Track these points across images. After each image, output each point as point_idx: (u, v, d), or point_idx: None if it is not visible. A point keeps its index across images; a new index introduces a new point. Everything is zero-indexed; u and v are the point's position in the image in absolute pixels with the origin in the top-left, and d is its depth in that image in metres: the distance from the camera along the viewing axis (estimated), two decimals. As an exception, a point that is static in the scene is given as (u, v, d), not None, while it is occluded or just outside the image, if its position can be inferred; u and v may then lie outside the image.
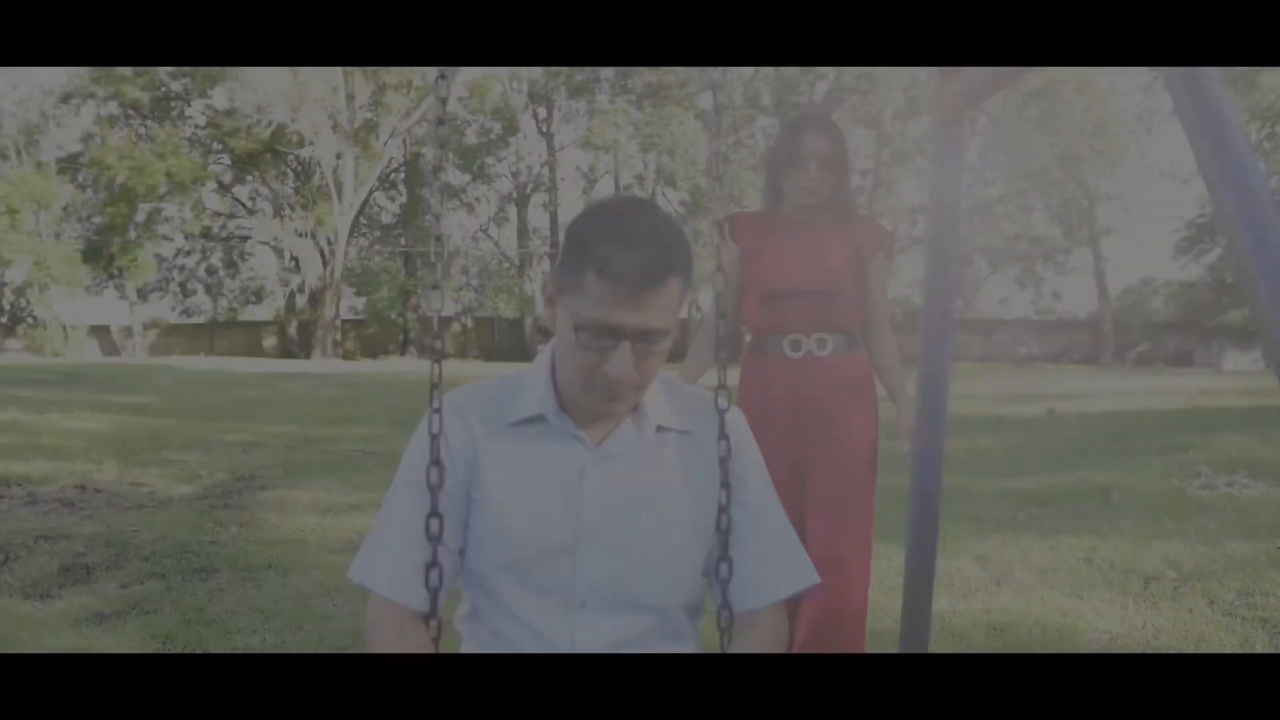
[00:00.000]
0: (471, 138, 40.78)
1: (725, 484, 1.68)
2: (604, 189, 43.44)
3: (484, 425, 1.71)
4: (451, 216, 42.82)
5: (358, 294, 41.46)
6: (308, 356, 37.81)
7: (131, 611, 4.56)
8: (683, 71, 37.21)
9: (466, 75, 36.87)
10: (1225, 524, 5.80)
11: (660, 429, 1.73)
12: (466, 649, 1.78)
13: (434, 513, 1.61)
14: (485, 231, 43.44)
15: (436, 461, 1.62)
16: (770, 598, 1.75)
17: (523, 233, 42.92)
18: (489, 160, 41.77)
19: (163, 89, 39.72)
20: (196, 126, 39.89)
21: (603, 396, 1.62)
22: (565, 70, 39.08)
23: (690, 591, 1.75)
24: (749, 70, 39.16)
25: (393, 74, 36.29)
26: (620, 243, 1.53)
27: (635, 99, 38.18)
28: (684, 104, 37.10)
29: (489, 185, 42.91)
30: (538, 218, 44.16)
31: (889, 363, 3.18)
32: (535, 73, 39.24)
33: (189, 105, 40.77)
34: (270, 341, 42.02)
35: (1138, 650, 4.15)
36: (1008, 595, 4.79)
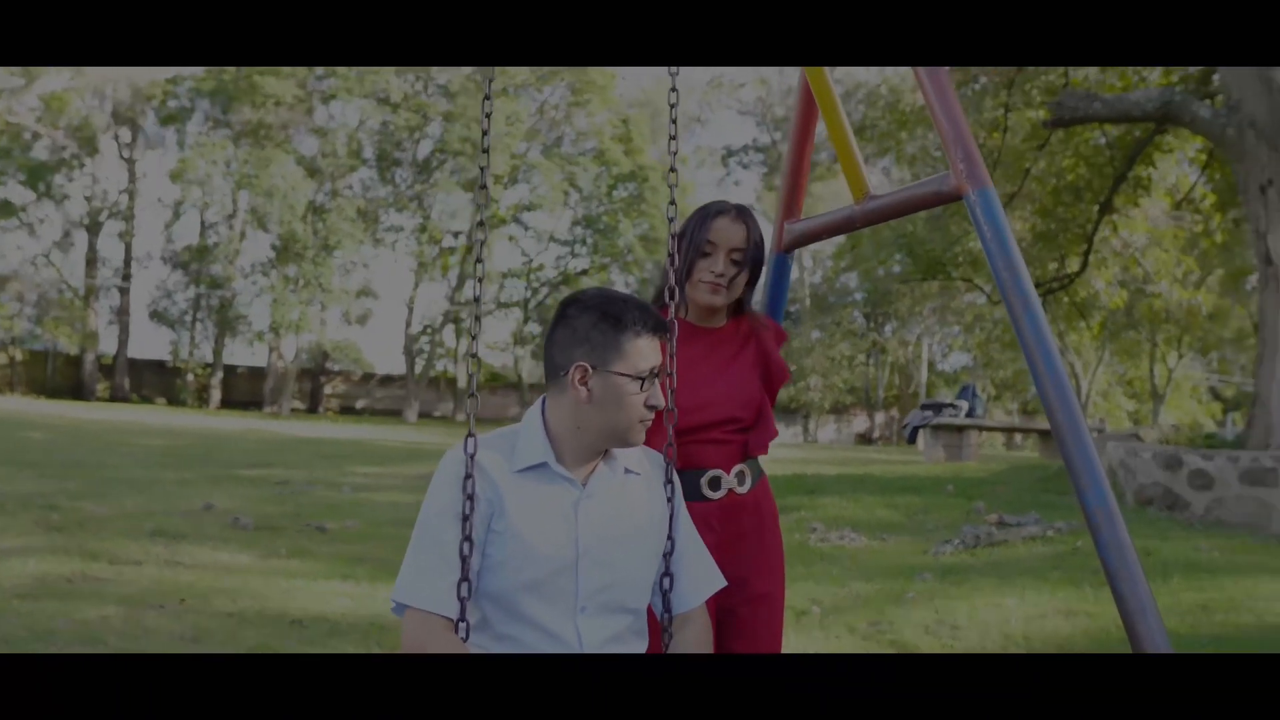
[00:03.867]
0: (41, 153, 37.35)
1: (672, 516, 2.32)
2: (190, 223, 41.37)
3: (498, 470, 2.18)
4: (7, 238, 38.87)
5: None
6: None
7: None
8: (285, 114, 36.52)
9: (42, 86, 33.86)
10: (846, 570, 7.07)
11: (627, 471, 2.30)
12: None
13: (467, 538, 2.10)
14: (48, 257, 39.70)
15: (470, 497, 2.12)
16: (700, 599, 2.33)
17: (92, 261, 39.71)
18: (59, 180, 38.37)
19: None
20: None
21: (644, 425, 2.19)
22: (158, 94, 37.05)
23: (648, 597, 2.30)
24: (353, 121, 39.11)
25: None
26: (637, 310, 2.17)
27: (234, 135, 36.82)
28: (285, 146, 36.37)
29: (57, 207, 39.38)
30: (110, 247, 41.15)
31: None
32: (122, 93, 36.79)
33: None
34: None
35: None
36: (694, 629, 5.62)
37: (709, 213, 2.67)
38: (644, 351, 2.15)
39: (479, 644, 2.17)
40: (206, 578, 6.45)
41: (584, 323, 2.16)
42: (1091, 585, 6.28)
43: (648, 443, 2.37)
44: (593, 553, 2.17)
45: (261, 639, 5.09)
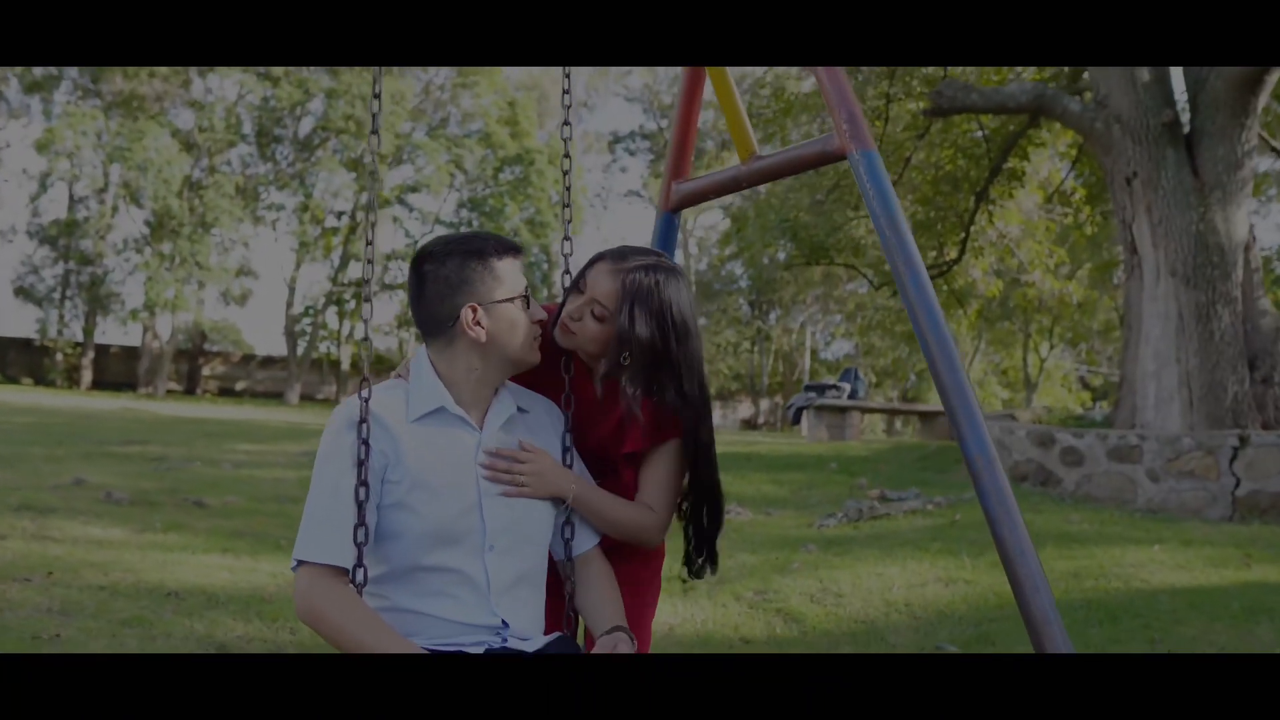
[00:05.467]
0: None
1: (568, 464, 2.33)
2: (58, 197, 39.67)
3: (394, 421, 2.15)
4: None
5: None
6: None
7: None
8: (159, 85, 35.32)
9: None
10: (732, 542, 7.16)
11: (520, 410, 2.31)
12: (373, 605, 2.12)
13: (362, 482, 2.08)
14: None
15: (365, 442, 2.10)
16: (598, 538, 2.35)
17: (-48, 233, 37.88)
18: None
19: None
20: None
21: (537, 341, 2.25)
22: (22, 62, 35.40)
23: (550, 531, 2.30)
24: (231, 95, 38.03)
25: None
26: (490, 238, 2.23)
27: (104, 106, 35.46)
28: (160, 119, 35.20)
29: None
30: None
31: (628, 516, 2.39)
32: (-16, 59, 35.04)
33: None
34: None
35: (694, 635, 5.18)
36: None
37: (599, 255, 2.38)
38: (514, 271, 2.22)
39: (382, 593, 2.14)
40: (77, 551, 6.24)
41: (451, 268, 2.18)
42: (969, 555, 6.49)
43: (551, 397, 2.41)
44: (495, 490, 2.17)
45: (135, 611, 4.94)
